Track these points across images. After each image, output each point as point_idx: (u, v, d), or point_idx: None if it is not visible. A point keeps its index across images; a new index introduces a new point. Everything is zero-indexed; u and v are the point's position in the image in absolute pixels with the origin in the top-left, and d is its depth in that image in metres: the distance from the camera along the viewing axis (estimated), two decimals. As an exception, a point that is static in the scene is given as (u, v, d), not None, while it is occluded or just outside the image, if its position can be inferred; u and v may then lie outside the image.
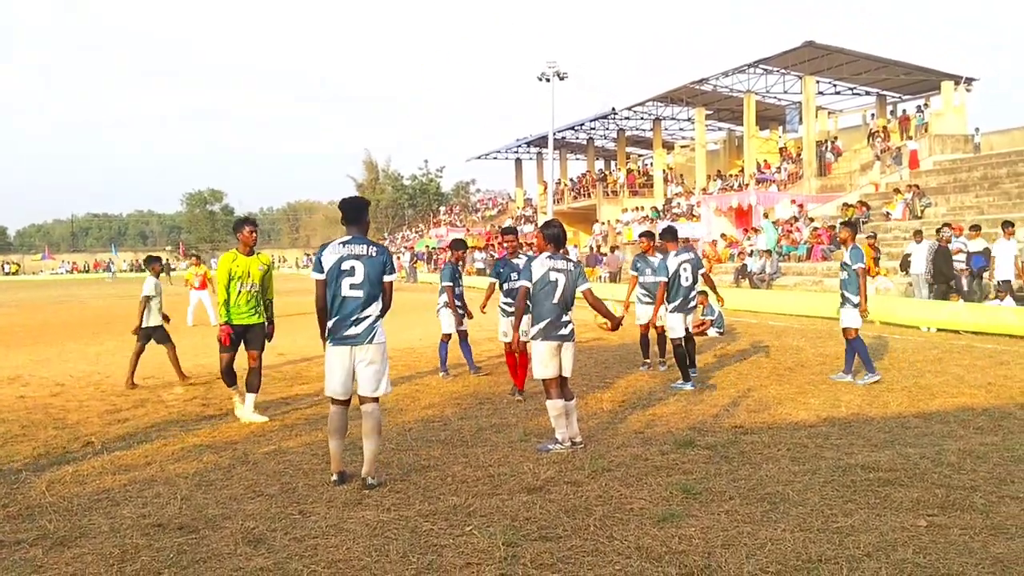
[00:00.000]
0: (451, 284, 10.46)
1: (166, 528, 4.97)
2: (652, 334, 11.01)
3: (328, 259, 5.74)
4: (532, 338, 6.71)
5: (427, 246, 59.05)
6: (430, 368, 11.63)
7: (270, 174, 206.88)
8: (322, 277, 5.75)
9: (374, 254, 5.81)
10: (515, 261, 9.47)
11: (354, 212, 5.91)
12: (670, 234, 10.23)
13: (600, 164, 60.43)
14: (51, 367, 12.67)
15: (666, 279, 9.78)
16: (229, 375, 8.36)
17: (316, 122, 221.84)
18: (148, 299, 10.74)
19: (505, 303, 9.48)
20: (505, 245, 9.97)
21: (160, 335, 10.79)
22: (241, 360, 8.26)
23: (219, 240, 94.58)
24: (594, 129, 54.53)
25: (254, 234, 8.19)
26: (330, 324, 5.76)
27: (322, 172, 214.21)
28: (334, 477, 5.84)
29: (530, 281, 6.72)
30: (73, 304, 31.10)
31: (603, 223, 43.64)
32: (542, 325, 6.66)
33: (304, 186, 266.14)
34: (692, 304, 9.99)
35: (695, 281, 9.94)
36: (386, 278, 5.87)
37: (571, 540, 4.65)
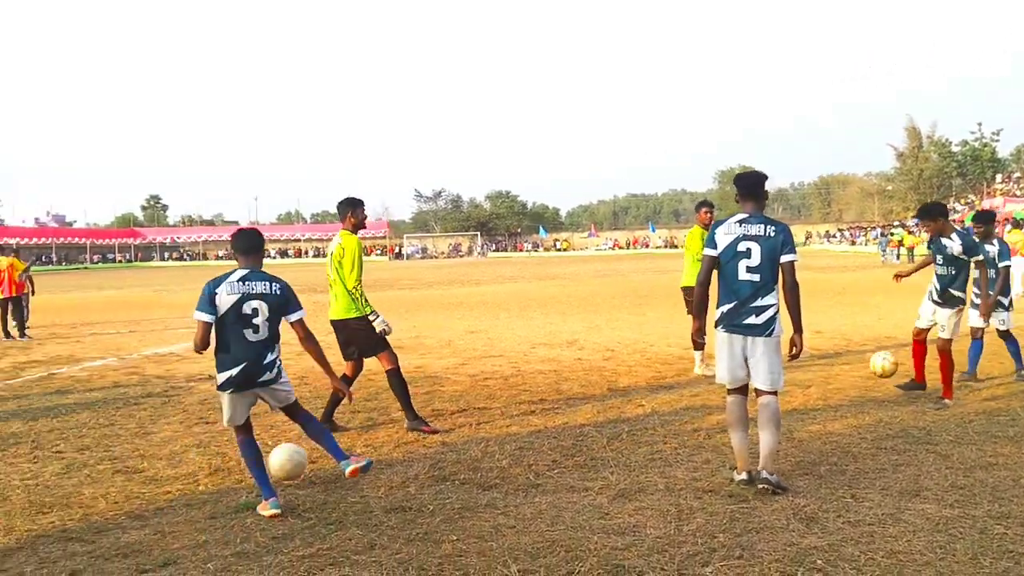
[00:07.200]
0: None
1: (717, 494, 5.12)
2: None
3: (722, 239, 5.30)
4: None
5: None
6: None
7: (803, 147, 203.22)
8: (715, 253, 5.32)
9: (772, 234, 5.22)
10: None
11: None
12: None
13: None
14: (601, 333, 14.00)
15: None
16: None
17: (852, 94, 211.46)
18: None
19: None
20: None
21: None
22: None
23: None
24: None
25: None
26: (725, 309, 5.32)
27: (857, 143, 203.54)
28: (742, 476, 5.27)
29: None
30: (616, 278, 34.13)
31: None
32: None
33: (837, 159, 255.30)
34: None
35: None
36: (783, 258, 5.22)
37: None
